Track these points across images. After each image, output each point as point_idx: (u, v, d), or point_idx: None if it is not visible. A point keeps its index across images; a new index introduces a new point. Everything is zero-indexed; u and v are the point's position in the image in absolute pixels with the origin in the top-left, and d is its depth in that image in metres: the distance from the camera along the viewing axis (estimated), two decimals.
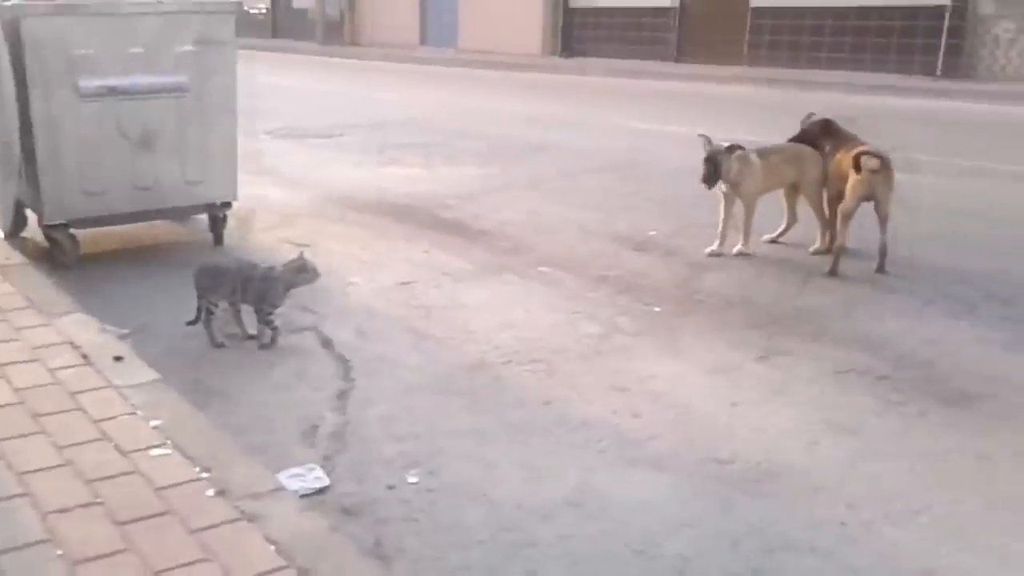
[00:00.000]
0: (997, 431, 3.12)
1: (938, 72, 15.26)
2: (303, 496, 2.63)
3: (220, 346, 3.77)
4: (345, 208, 6.39)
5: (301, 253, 3.89)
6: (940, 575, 2.32)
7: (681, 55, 19.23)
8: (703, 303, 4.45)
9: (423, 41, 25.61)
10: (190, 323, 3.80)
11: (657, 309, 4.34)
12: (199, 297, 3.77)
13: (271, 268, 3.79)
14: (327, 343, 3.84)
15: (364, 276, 4.76)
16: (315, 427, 3.09)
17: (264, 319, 3.76)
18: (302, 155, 8.72)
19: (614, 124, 10.87)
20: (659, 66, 18.47)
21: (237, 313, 3.82)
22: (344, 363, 3.63)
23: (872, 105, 12.97)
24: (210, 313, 3.77)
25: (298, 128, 10.36)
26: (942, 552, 2.41)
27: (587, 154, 8.74)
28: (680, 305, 4.41)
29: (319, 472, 2.77)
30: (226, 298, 3.76)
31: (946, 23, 15.29)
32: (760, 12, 17.77)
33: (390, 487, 2.72)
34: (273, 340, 3.77)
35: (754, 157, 5.21)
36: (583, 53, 21.24)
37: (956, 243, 5.44)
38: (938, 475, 2.82)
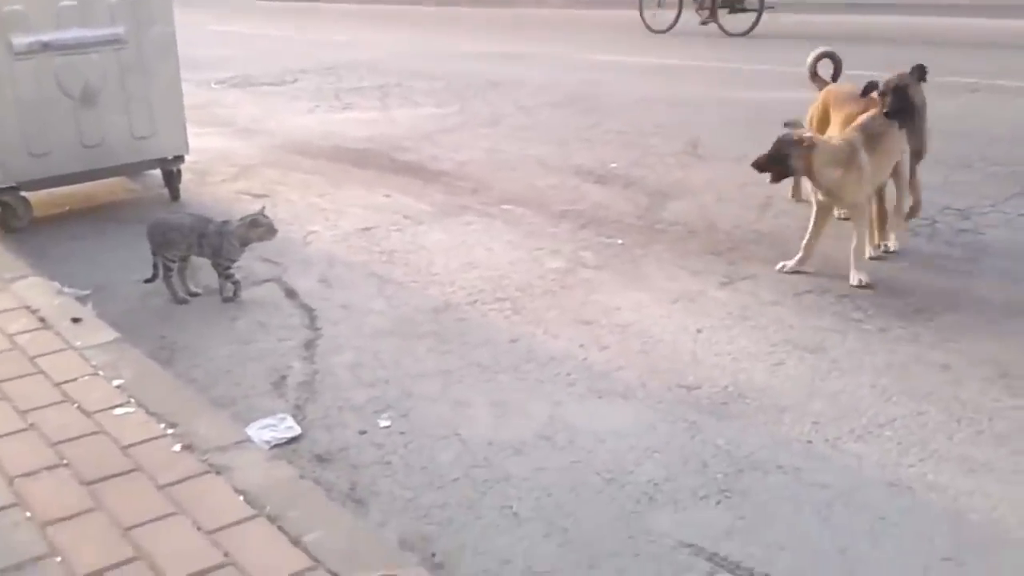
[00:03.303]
0: (956, 342, 3.17)
1: None
2: (275, 446, 2.63)
3: (184, 302, 3.72)
4: (302, 156, 6.29)
5: (263, 208, 3.82)
6: (904, 486, 2.37)
7: None
8: (665, 232, 4.46)
9: None
10: (147, 281, 3.74)
11: (620, 241, 4.34)
12: (153, 254, 3.71)
13: (225, 223, 3.73)
14: (291, 293, 3.80)
15: (324, 224, 4.71)
16: (283, 377, 3.08)
17: (223, 273, 3.71)
18: (255, 104, 8.55)
19: (572, 57, 10.75)
20: None
21: (183, 270, 3.77)
22: (309, 312, 3.61)
23: (830, 23, 12.92)
24: (168, 270, 3.71)
25: (249, 76, 10.14)
26: (906, 463, 2.47)
27: (545, 88, 8.64)
28: (642, 236, 4.41)
29: (290, 422, 2.77)
30: (181, 253, 3.70)
31: None
32: None
33: (362, 432, 2.73)
34: (235, 293, 3.73)
35: (862, 154, 3.70)
36: None
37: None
38: (900, 389, 2.86)
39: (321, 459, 2.59)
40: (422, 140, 6.66)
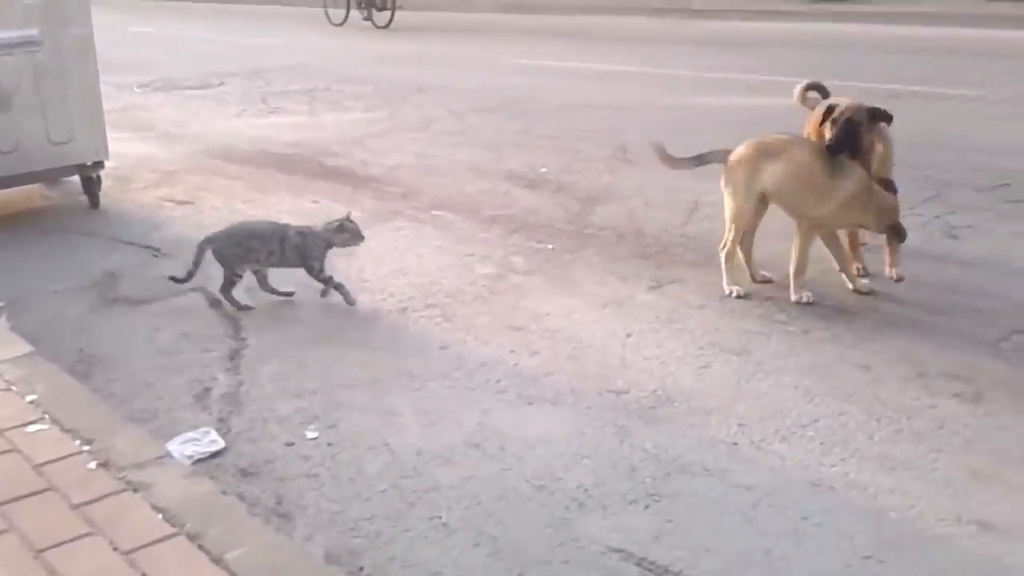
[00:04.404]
0: (876, 343, 3.25)
1: None
2: (197, 461, 2.56)
3: (247, 308, 3.65)
4: (227, 161, 6.17)
5: (348, 214, 3.81)
6: (826, 485, 2.42)
7: None
8: (595, 237, 4.48)
9: None
10: (180, 281, 3.67)
11: (550, 246, 4.35)
12: (224, 266, 3.63)
13: (307, 227, 3.73)
14: (215, 303, 3.72)
15: None
16: (207, 389, 3.01)
17: (318, 276, 3.67)
18: (179, 108, 8.36)
19: (503, 61, 10.76)
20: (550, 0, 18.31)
21: (265, 278, 3.72)
22: (234, 322, 3.53)
23: (755, 31, 13.19)
24: (232, 283, 3.64)
25: (173, 79, 9.92)
26: (828, 463, 2.52)
27: (476, 93, 8.63)
28: (572, 240, 4.43)
29: (214, 435, 2.70)
30: (261, 263, 3.64)
31: None
32: None
33: (288, 444, 2.68)
34: (340, 290, 3.68)
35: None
36: None
37: None
38: (822, 389, 2.92)
39: (246, 473, 2.53)
40: (351, 145, 6.59)
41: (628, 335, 3.37)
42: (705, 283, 3.82)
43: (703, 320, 3.49)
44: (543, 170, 5.77)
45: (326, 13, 16.34)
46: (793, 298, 3.63)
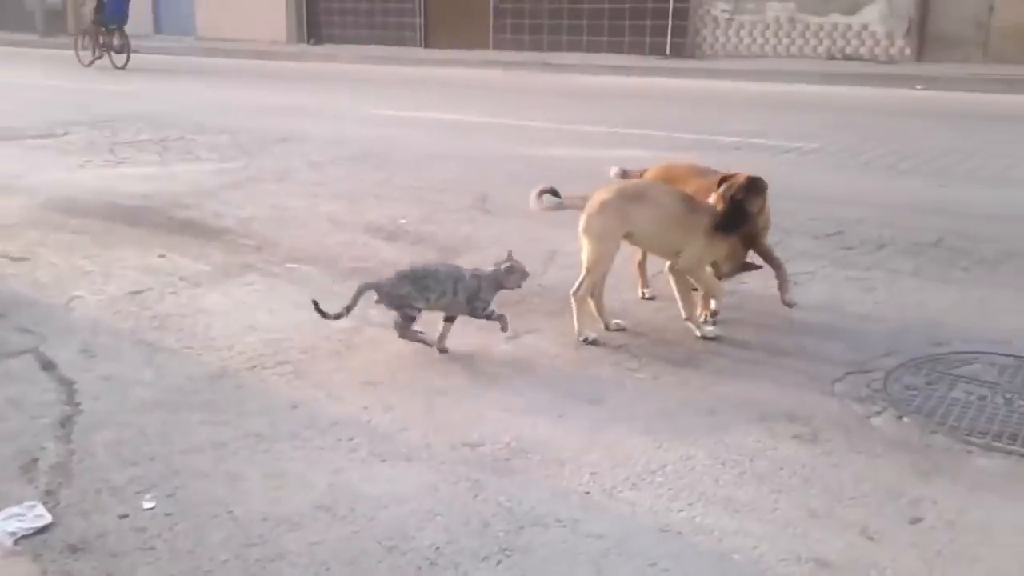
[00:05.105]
0: (721, 386, 3.36)
1: (667, 52, 16.31)
2: (21, 538, 2.38)
3: (444, 351, 3.67)
4: (68, 215, 5.88)
5: (510, 252, 3.76)
6: (674, 530, 2.46)
7: (429, 40, 19.37)
8: None
9: (157, 30, 24.14)
10: (335, 317, 3.58)
11: None
12: (397, 308, 3.59)
13: (478, 269, 3.71)
14: (48, 365, 3.50)
15: (90, 288, 4.39)
16: (35, 460, 2.81)
17: (482, 314, 3.64)
18: (19, 159, 7.95)
19: (363, 112, 10.75)
20: (408, 52, 18.50)
21: (412, 321, 3.63)
22: (68, 386, 3.33)
23: (608, 85, 13.67)
24: (411, 318, 3.59)
25: (13, 128, 9.44)
26: (676, 508, 2.56)
27: (335, 143, 8.57)
28: None
29: (40, 509, 2.52)
30: (429, 303, 3.58)
31: (671, 5, 16.37)
32: None
33: (123, 516, 2.52)
34: (497, 320, 3.70)
35: None
36: (332, 39, 20.88)
37: None
38: (671, 434, 2.99)
39: (74, 549, 2.37)
40: (204, 196, 6.41)
41: (484, 386, 3.36)
42: (561, 332, 3.87)
43: (559, 370, 3.53)
44: (403, 221, 5.75)
45: (77, 55, 17.65)
46: (703, 333, 3.82)
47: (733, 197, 3.75)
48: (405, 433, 3.00)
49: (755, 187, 3.80)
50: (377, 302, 3.66)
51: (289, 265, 4.82)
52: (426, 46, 19.25)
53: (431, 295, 3.61)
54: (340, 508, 2.56)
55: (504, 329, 3.73)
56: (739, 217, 3.76)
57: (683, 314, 3.88)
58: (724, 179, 3.87)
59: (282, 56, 18.94)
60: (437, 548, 2.38)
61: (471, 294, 3.65)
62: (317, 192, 6.60)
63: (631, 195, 3.82)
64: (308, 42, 21.03)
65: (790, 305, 3.95)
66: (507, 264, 3.76)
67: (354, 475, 2.74)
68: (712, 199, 3.85)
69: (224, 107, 11.28)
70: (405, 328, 3.64)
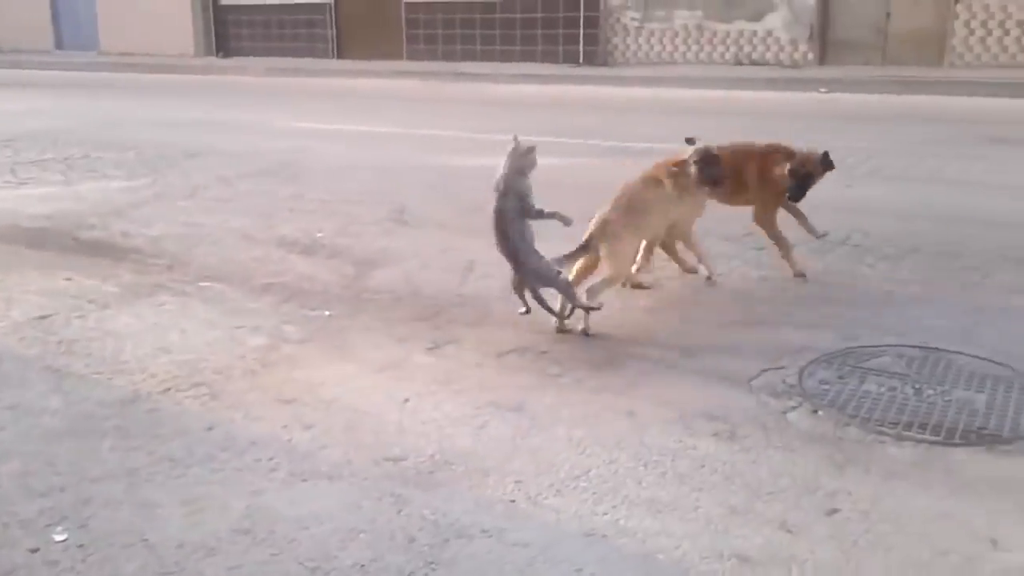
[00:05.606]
0: (642, 387, 3.40)
1: (580, 60, 16.49)
2: None
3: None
4: None
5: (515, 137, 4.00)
6: (599, 534, 2.47)
7: (341, 51, 19.20)
8: (371, 301, 4.44)
9: (59, 45, 23.38)
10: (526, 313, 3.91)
11: (326, 313, 4.26)
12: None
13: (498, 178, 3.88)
14: None
15: None
16: None
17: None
18: None
19: (274, 125, 10.59)
20: (319, 63, 18.31)
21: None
22: None
23: (521, 93, 13.75)
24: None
25: None
26: (600, 512, 2.57)
27: (247, 157, 8.42)
28: (348, 306, 4.36)
29: None
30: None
31: (583, 14, 16.57)
32: (413, 7, 18.18)
33: (33, 550, 2.42)
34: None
35: None
36: (241, 52, 20.53)
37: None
38: (593, 438, 3.01)
39: None
40: (111, 216, 6.21)
41: (406, 400, 3.33)
42: (482, 341, 3.86)
43: (480, 379, 3.52)
44: (318, 235, 5.67)
45: None
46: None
47: (810, 172, 4.42)
48: (326, 451, 2.95)
49: (827, 162, 4.47)
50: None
51: (201, 283, 4.70)
52: (338, 57, 19.07)
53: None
54: (259, 531, 2.50)
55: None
56: (807, 186, 4.46)
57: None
58: (782, 153, 4.52)
59: (190, 70, 18.54)
60: (362, 566, 2.34)
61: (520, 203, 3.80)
62: (228, 208, 6.46)
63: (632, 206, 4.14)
64: (216, 55, 20.63)
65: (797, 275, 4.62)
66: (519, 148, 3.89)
67: (273, 496, 2.68)
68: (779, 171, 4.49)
69: (130, 123, 10.97)
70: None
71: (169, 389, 3.43)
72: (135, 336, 3.95)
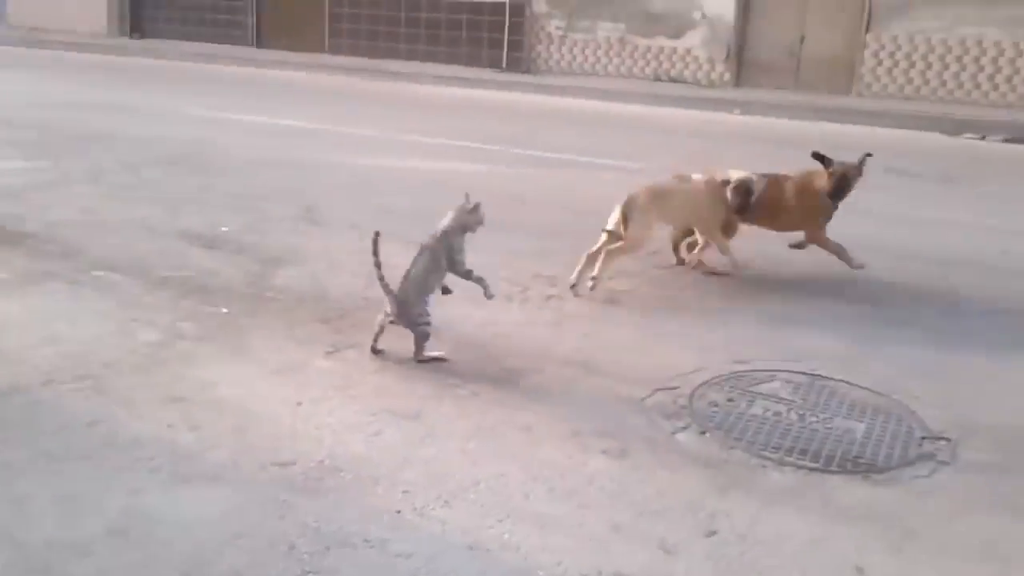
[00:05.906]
0: (539, 403, 3.42)
1: (503, 66, 16.52)
2: None
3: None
4: None
5: (467, 196, 3.89)
6: (483, 547, 2.48)
7: (261, 41, 18.81)
8: (274, 301, 4.37)
9: None
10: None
11: (225, 310, 4.17)
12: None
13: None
14: None
15: None
16: None
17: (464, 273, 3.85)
18: None
19: (185, 112, 10.32)
20: (237, 51, 17.90)
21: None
22: None
23: (443, 95, 13.72)
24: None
25: None
26: (486, 525, 2.59)
27: (153, 144, 8.19)
28: (250, 304, 4.28)
29: None
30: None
31: (507, 20, 16.61)
32: (338, 1, 17.94)
33: None
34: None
35: None
36: (157, 34, 19.93)
37: (501, 227, 5.83)
38: (486, 451, 3.02)
39: None
40: (6, 198, 5.97)
41: (300, 403, 3.29)
42: (383, 346, 3.83)
43: (378, 385, 3.50)
44: (224, 229, 5.55)
45: None
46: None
47: (845, 173, 4.96)
48: (212, 452, 2.90)
49: (861, 168, 5.04)
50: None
51: (96, 273, 4.56)
52: (258, 46, 18.64)
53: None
54: (135, 532, 2.44)
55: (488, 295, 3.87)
56: (845, 187, 5.00)
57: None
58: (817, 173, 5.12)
59: (101, 49, 17.91)
60: (237, 572, 2.30)
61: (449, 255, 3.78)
62: (132, 196, 6.27)
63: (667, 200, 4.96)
64: (130, 36, 19.98)
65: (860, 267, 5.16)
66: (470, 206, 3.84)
67: (153, 497, 2.62)
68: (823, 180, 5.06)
69: (33, 101, 10.54)
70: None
71: (51, 381, 3.31)
72: (20, 325, 3.80)
